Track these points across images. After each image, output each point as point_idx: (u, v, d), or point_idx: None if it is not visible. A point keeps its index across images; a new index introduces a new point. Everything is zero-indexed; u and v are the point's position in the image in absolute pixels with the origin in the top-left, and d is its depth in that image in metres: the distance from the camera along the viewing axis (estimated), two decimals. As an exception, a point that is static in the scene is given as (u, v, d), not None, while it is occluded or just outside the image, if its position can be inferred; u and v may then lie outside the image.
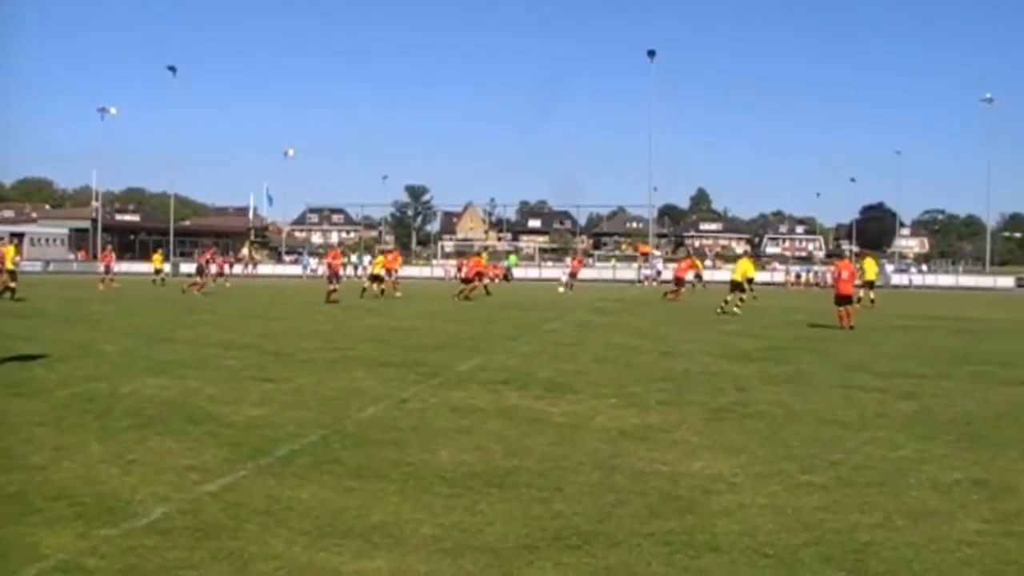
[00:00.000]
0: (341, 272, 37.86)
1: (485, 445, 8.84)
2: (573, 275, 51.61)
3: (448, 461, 8.16)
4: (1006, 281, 77.18)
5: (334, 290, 34.92)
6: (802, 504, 6.99)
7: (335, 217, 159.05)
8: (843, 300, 24.90)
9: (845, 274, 25.40)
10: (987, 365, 16.56)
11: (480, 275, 41.44)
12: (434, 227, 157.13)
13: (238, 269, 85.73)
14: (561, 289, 41.58)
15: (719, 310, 30.64)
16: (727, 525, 6.40)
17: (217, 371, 13.83)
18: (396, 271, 44.97)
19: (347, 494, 7.02)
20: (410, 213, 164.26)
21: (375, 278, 40.54)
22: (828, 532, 6.29)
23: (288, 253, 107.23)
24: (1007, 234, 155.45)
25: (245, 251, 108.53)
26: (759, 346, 19.28)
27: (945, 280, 75.75)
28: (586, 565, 5.56)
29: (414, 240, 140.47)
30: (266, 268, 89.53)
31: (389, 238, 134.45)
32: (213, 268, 48.39)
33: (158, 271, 55.67)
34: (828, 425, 10.27)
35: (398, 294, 40.99)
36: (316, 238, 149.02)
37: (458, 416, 10.37)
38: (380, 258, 43.89)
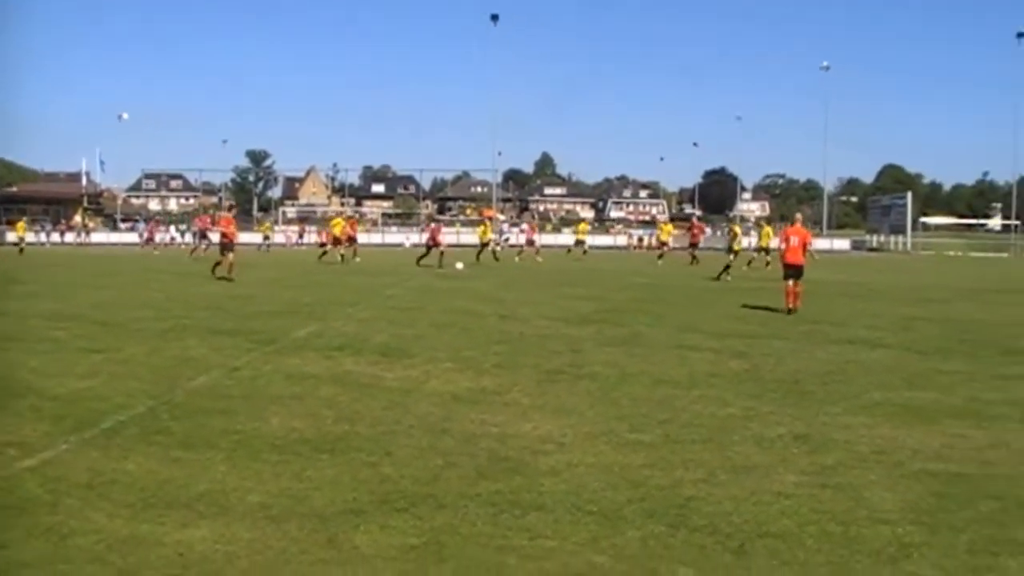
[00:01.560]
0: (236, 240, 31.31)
1: (317, 411, 8.81)
2: (530, 243, 49.19)
3: (279, 428, 8.11)
4: (842, 243, 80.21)
5: (218, 263, 29.08)
6: (629, 462, 7.17)
7: (173, 183, 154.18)
8: (793, 272, 19.76)
9: (794, 240, 20.21)
10: (819, 324, 17.24)
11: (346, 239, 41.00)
12: (276, 193, 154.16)
13: (70, 237, 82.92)
14: (460, 265, 36.46)
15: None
16: (553, 484, 6.53)
17: (42, 343, 13.35)
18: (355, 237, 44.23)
19: (173, 464, 6.91)
20: (251, 179, 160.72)
21: (336, 241, 40.35)
22: (653, 488, 6.48)
23: (124, 220, 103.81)
24: (844, 198, 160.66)
25: (78, 218, 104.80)
26: (597, 308, 19.62)
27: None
28: (412, 527, 5.61)
29: (255, 206, 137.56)
30: (100, 236, 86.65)
31: (230, 203, 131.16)
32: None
33: (21, 238, 54.55)
34: (660, 385, 10.54)
35: (357, 259, 40.55)
36: (154, 205, 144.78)
37: (291, 383, 10.28)
38: (339, 221, 43.03)
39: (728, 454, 7.48)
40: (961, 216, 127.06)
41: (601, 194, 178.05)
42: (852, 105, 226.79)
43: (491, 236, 42.63)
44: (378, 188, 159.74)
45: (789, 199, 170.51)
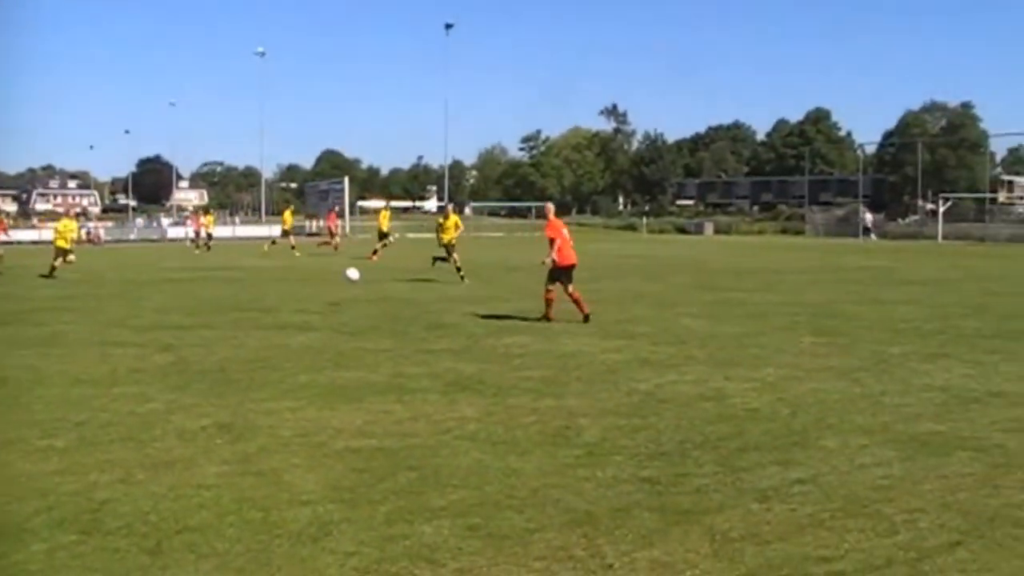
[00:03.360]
0: None
1: None
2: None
3: None
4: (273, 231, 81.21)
5: None
6: (38, 470, 6.79)
7: None
8: (563, 273, 15.73)
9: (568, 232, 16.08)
10: (250, 312, 17.38)
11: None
12: None
13: None
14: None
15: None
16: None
17: None
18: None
19: None
20: None
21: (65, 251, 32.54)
22: (63, 495, 6.18)
23: None
24: (284, 184, 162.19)
25: None
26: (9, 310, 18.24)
27: (222, 232, 76.82)
28: None
29: None
30: None
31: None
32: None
33: None
34: (78, 385, 10.12)
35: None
36: None
37: None
38: (71, 224, 34.18)
39: (148, 451, 7.30)
40: (398, 199, 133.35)
41: (24, 185, 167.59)
42: (290, 92, 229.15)
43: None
44: None
45: (228, 186, 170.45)
